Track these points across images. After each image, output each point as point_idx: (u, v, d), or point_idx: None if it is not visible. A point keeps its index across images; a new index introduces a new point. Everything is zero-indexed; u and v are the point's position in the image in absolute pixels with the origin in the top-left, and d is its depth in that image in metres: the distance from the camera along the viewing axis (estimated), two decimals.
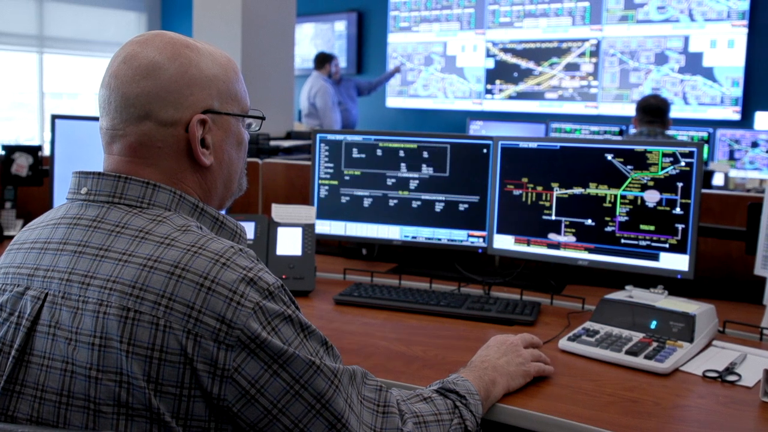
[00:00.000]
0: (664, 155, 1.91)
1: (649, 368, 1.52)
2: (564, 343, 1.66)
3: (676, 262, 1.92)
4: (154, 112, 1.06)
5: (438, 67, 7.95)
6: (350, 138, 2.34)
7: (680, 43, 6.31)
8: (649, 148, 1.93)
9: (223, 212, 1.17)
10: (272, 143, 4.24)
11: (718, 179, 4.23)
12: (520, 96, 7.33)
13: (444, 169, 2.25)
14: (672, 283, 1.94)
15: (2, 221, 2.59)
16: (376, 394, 1.11)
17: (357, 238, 2.37)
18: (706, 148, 4.72)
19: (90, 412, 0.96)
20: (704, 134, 4.74)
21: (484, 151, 2.18)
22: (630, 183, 1.96)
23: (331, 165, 2.35)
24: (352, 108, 7.40)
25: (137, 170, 1.08)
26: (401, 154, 2.29)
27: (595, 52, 6.81)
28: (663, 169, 1.91)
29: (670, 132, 4.76)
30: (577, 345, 1.63)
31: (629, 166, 1.96)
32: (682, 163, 1.89)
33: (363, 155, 2.32)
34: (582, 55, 6.90)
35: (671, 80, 6.39)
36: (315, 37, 8.92)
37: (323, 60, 7.26)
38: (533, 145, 2.09)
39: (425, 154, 2.26)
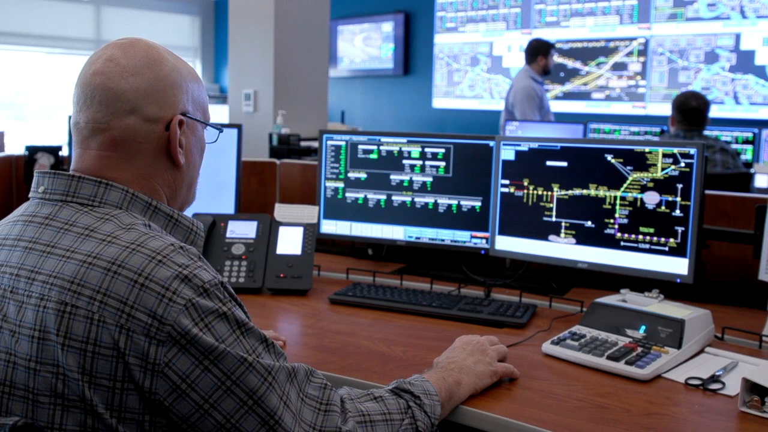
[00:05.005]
0: (664, 156, 1.86)
1: (629, 374, 1.48)
2: (547, 346, 1.63)
3: (676, 266, 1.86)
4: (140, 108, 1.11)
5: (484, 68, 7.89)
6: (355, 138, 2.35)
7: (731, 41, 6.11)
8: (648, 148, 1.89)
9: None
10: (303, 144, 4.30)
11: (761, 181, 4.07)
12: (567, 96, 7.21)
13: (448, 169, 2.24)
14: (679, 288, 1.89)
15: None
16: (319, 392, 1.12)
17: (362, 238, 2.38)
18: (750, 149, 4.55)
19: (29, 402, 1.00)
20: (749, 135, 4.58)
21: (486, 151, 2.16)
22: (630, 184, 1.91)
23: (337, 165, 2.36)
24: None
25: (114, 165, 1.12)
26: (405, 154, 2.28)
27: (643, 51, 6.65)
28: (663, 170, 1.86)
29: (715, 132, 4.62)
30: (559, 349, 1.60)
31: (629, 167, 1.91)
32: (682, 164, 1.84)
33: (368, 156, 2.33)
34: (630, 54, 6.75)
35: (722, 79, 6.19)
36: (362, 39, 8.97)
37: (535, 51, 5.50)
38: (534, 145, 2.06)
39: (429, 155, 2.26)
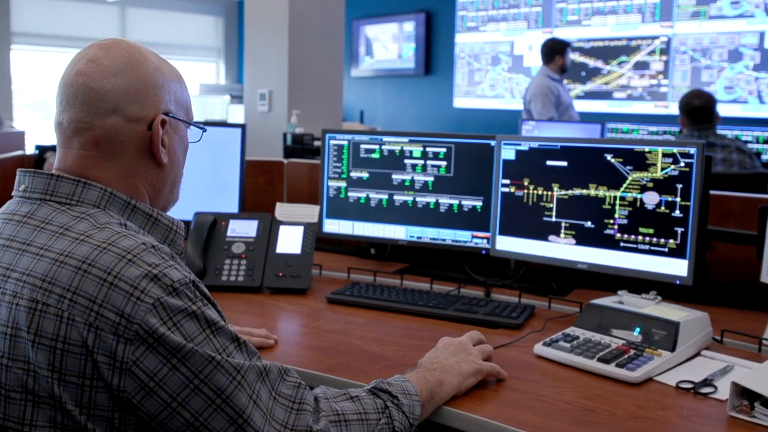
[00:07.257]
0: (664, 155, 1.83)
1: (619, 376, 1.46)
2: (539, 348, 1.61)
3: (675, 267, 1.83)
4: (122, 108, 1.12)
5: (505, 67, 7.85)
6: (357, 138, 2.35)
7: (755, 40, 6.01)
8: (648, 148, 1.86)
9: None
10: (317, 143, 4.30)
11: None
12: (588, 96, 7.15)
13: (449, 169, 2.23)
14: (682, 289, 1.86)
15: None
16: (293, 391, 1.12)
17: (364, 238, 2.38)
18: None
19: (1, 398, 1.01)
20: None
21: (487, 151, 2.15)
22: (629, 184, 1.89)
23: (339, 165, 2.36)
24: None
25: (97, 164, 1.13)
26: (407, 154, 2.28)
27: (665, 50, 6.56)
28: (662, 169, 1.83)
29: (735, 132, 4.55)
30: (551, 350, 1.58)
31: (628, 167, 1.88)
32: (682, 164, 1.81)
33: (370, 155, 2.32)
34: (652, 53, 6.67)
35: (745, 78, 6.09)
36: (384, 38, 8.97)
37: (552, 51, 5.44)
38: (535, 144, 2.04)
39: (430, 155, 2.25)
